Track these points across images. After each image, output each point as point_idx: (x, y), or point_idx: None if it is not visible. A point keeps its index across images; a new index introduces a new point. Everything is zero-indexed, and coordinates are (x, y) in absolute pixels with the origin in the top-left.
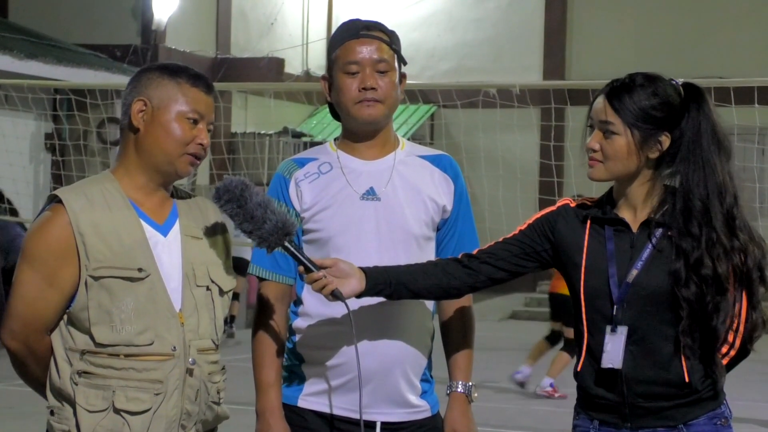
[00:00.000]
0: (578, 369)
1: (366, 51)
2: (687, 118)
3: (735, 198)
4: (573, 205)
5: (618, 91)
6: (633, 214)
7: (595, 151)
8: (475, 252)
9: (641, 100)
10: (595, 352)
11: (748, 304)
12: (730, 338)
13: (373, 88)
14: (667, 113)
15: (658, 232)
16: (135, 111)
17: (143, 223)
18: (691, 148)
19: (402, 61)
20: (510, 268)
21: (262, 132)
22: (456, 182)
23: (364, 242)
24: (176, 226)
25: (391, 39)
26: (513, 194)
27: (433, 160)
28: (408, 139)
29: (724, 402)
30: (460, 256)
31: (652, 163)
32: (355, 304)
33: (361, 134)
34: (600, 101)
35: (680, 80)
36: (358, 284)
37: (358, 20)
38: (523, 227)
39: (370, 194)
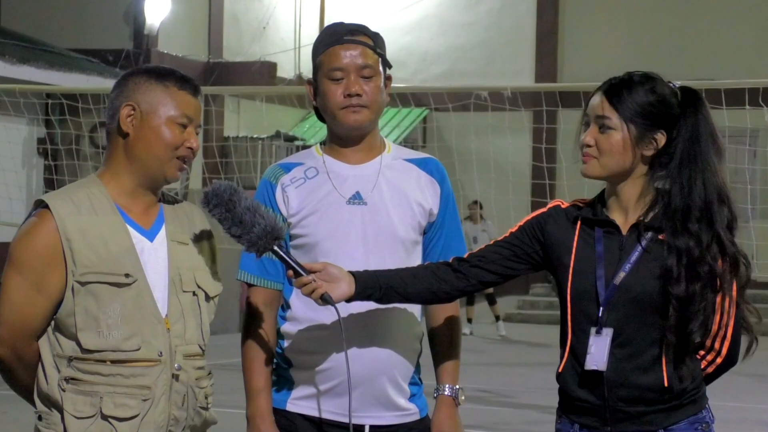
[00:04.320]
0: (560, 371)
1: (350, 57)
2: (684, 120)
3: (734, 202)
4: (564, 206)
5: (616, 87)
6: (624, 216)
7: (589, 146)
8: (465, 255)
9: (639, 96)
10: (579, 354)
11: (737, 311)
12: (717, 345)
13: (358, 95)
14: (664, 112)
15: (648, 235)
16: (124, 116)
17: (130, 228)
18: (690, 149)
19: (387, 64)
20: (501, 271)
21: (255, 136)
22: (442, 185)
23: (351, 247)
24: (162, 232)
25: (375, 43)
26: (505, 197)
27: (420, 164)
28: (400, 143)
29: (706, 407)
30: (450, 260)
31: (646, 162)
32: (343, 309)
33: (347, 139)
34: (597, 97)
35: (677, 83)
36: (347, 288)
37: (341, 24)
38: (514, 230)
39: (357, 199)
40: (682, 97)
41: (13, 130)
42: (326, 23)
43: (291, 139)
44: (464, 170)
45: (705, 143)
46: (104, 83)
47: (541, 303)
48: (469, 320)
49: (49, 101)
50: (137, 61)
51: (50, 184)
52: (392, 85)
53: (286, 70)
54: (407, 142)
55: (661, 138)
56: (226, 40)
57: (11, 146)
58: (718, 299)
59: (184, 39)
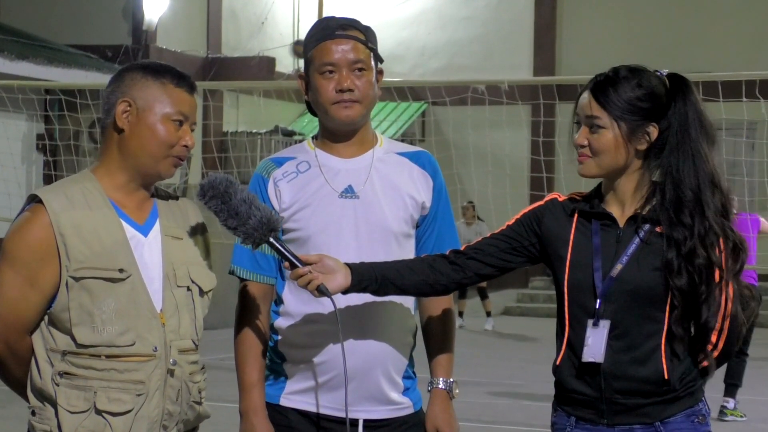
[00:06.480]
0: (557, 363)
1: (342, 51)
2: (674, 108)
3: (727, 188)
4: (561, 199)
5: (603, 85)
6: (621, 209)
7: (583, 146)
8: (462, 248)
9: (626, 92)
10: (576, 346)
11: (734, 303)
12: (713, 338)
13: (350, 90)
14: (653, 104)
15: (645, 227)
16: (119, 112)
17: (124, 223)
18: (680, 138)
19: (378, 58)
20: (497, 264)
21: (254, 131)
22: (435, 179)
23: (344, 240)
24: (156, 226)
25: (367, 37)
26: (503, 190)
27: (412, 157)
28: (399, 137)
29: (703, 399)
30: (447, 253)
31: (641, 156)
32: (337, 301)
33: (339, 133)
34: (585, 96)
35: (665, 71)
36: (343, 280)
37: (333, 18)
38: (510, 222)
39: (349, 192)
40: (671, 85)
41: (11, 126)
42: None
43: (289, 133)
44: (462, 164)
45: (694, 130)
46: (103, 79)
47: (541, 296)
48: (461, 314)
49: (48, 97)
50: (136, 56)
51: (49, 180)
52: (391, 79)
53: (284, 65)
54: (405, 137)
55: (654, 131)
56: (224, 36)
57: (10, 142)
58: (716, 291)
59: (183, 34)
